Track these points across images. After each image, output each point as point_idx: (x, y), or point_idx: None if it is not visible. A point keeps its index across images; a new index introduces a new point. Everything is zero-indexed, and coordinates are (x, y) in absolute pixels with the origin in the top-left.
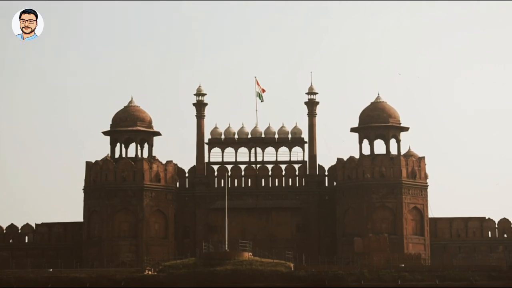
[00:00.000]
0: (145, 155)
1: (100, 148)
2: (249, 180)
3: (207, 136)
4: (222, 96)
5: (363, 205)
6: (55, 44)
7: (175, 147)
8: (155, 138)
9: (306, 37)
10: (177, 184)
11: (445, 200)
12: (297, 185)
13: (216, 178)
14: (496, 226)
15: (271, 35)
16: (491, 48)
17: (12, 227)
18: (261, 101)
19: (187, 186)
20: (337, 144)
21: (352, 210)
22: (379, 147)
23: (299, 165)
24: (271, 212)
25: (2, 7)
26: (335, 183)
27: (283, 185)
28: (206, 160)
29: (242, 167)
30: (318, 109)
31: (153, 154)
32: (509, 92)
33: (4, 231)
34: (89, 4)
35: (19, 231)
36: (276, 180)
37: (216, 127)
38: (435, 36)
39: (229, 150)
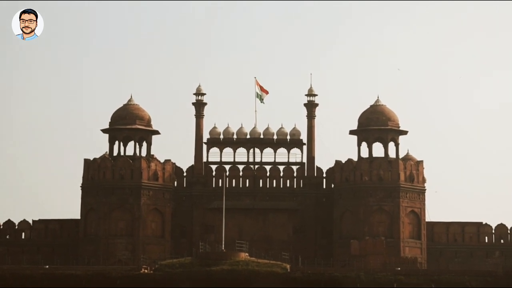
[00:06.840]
0: (144, 153)
1: (98, 146)
2: (247, 180)
3: (205, 136)
4: (221, 96)
5: (360, 208)
6: (55, 44)
7: (173, 146)
8: (154, 137)
9: (307, 39)
10: (175, 183)
11: (442, 205)
12: (295, 186)
13: (214, 178)
14: (493, 231)
15: (271, 36)
16: (492, 53)
17: (9, 223)
18: (262, 103)
19: (184, 185)
20: (336, 144)
21: (349, 212)
22: (378, 150)
23: (297, 166)
24: (268, 213)
25: (2, 7)
26: (332, 185)
27: (281, 186)
28: (204, 159)
29: (240, 167)
30: (317, 111)
31: (152, 153)
32: (509, 97)
33: (1, 227)
34: (89, 4)
35: (16, 227)
36: (274, 181)
37: (215, 127)
38: (435, 40)
39: (228, 150)
